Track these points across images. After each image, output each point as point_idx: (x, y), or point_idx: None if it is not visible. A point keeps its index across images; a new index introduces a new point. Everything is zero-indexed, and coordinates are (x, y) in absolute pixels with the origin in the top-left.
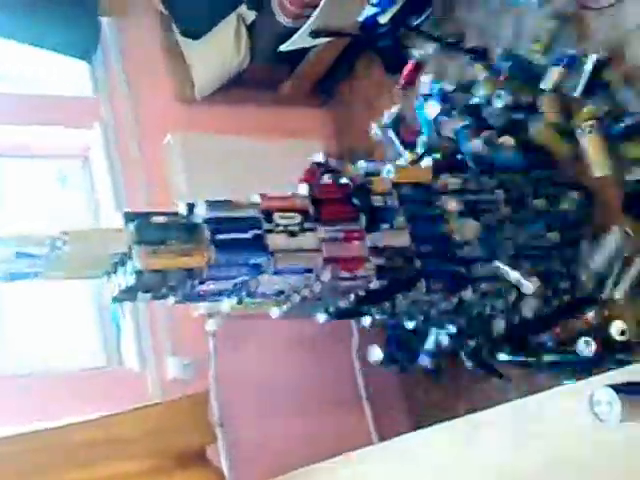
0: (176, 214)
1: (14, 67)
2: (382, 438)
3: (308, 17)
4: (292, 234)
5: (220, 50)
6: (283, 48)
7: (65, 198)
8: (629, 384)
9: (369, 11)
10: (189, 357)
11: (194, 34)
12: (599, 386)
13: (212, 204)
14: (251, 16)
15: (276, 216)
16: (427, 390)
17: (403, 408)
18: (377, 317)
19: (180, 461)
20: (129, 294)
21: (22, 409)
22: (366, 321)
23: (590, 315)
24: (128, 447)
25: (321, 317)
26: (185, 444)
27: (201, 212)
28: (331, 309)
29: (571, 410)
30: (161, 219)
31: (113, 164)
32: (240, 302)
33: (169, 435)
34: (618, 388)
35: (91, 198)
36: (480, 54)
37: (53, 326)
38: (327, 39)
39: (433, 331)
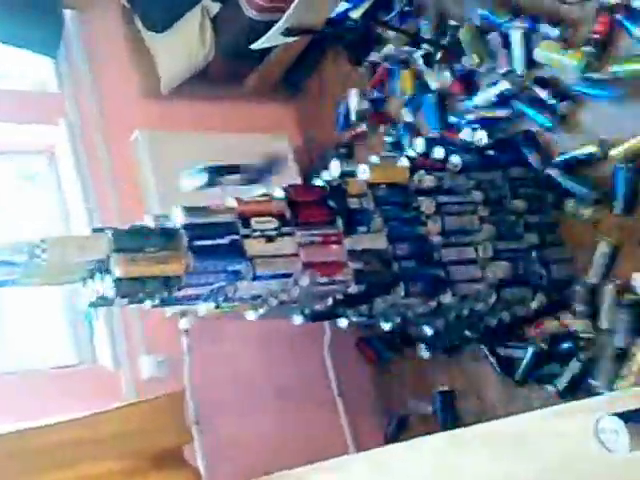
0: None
1: None
2: (355, 435)
3: (273, 10)
4: (270, 239)
5: (185, 43)
6: (255, 47)
7: (32, 196)
8: (634, 411)
9: (341, 7)
10: (163, 355)
11: (158, 27)
12: (604, 414)
13: (189, 210)
14: (215, 8)
15: (253, 221)
16: (400, 387)
17: (376, 405)
18: (354, 319)
19: (157, 461)
20: (106, 300)
21: None
22: (342, 323)
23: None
24: (101, 448)
25: (297, 319)
26: (162, 444)
27: (178, 219)
28: (307, 311)
29: (577, 430)
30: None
31: (79, 160)
32: (217, 307)
33: (145, 435)
34: (624, 416)
35: (59, 195)
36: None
37: (24, 324)
38: (297, 37)
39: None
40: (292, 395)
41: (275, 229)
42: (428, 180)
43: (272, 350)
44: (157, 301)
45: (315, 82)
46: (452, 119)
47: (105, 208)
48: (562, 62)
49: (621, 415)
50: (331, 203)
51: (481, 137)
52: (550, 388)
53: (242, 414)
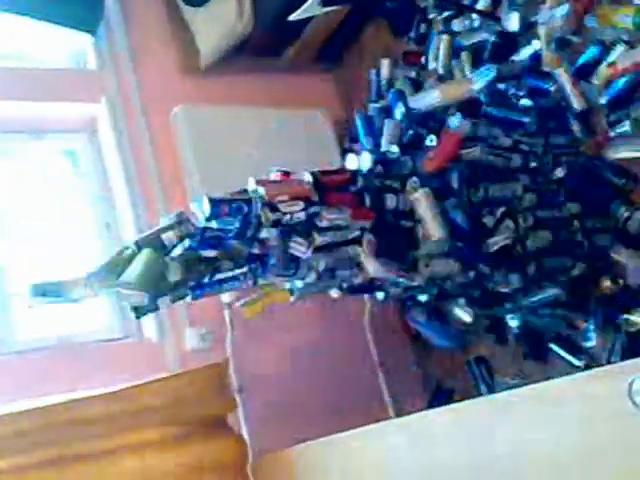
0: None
1: (16, 42)
2: (396, 405)
3: None
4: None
5: (223, 16)
6: (292, 17)
7: (74, 173)
8: None
9: None
10: (206, 328)
11: (196, 1)
12: (637, 376)
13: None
14: None
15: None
16: (440, 359)
17: (416, 375)
18: (390, 292)
19: (203, 428)
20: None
21: (41, 382)
22: (380, 295)
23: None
24: (150, 417)
25: (335, 293)
26: (207, 411)
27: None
28: (344, 285)
29: (605, 396)
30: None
31: (120, 138)
32: (255, 283)
33: (190, 404)
34: None
35: (100, 172)
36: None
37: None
38: (337, 7)
39: None
40: (335, 365)
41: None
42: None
43: (313, 322)
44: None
45: (355, 54)
46: None
47: (146, 186)
48: None
49: None
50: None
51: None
52: None
53: (284, 384)
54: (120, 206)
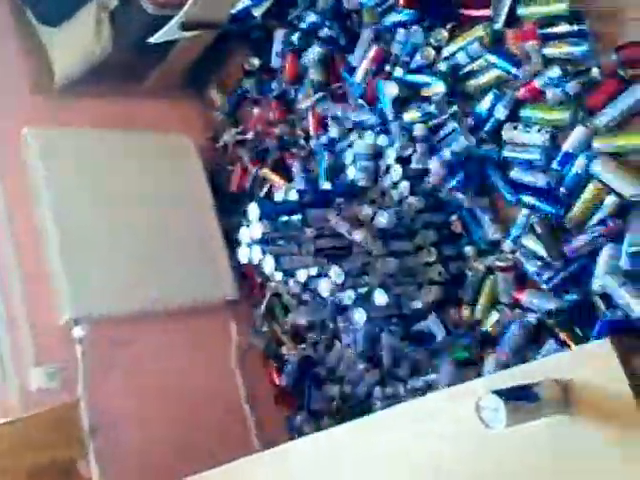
0: None
1: None
2: (264, 442)
3: (174, 5)
4: None
5: (80, 38)
6: (152, 40)
7: None
8: (512, 389)
9: (243, 3)
10: (55, 365)
11: (52, 21)
12: (484, 392)
13: None
14: (114, 3)
15: None
16: None
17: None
18: None
19: (48, 478)
20: None
21: None
22: None
23: None
24: None
25: None
26: (54, 458)
27: None
28: None
29: (459, 413)
30: None
31: None
32: None
33: (36, 450)
34: (502, 393)
35: None
36: None
37: None
38: (197, 32)
39: None
40: (197, 402)
41: None
42: None
43: (175, 355)
44: None
45: (220, 79)
46: None
47: None
48: None
49: (499, 392)
50: None
51: None
52: None
53: (143, 424)
54: None
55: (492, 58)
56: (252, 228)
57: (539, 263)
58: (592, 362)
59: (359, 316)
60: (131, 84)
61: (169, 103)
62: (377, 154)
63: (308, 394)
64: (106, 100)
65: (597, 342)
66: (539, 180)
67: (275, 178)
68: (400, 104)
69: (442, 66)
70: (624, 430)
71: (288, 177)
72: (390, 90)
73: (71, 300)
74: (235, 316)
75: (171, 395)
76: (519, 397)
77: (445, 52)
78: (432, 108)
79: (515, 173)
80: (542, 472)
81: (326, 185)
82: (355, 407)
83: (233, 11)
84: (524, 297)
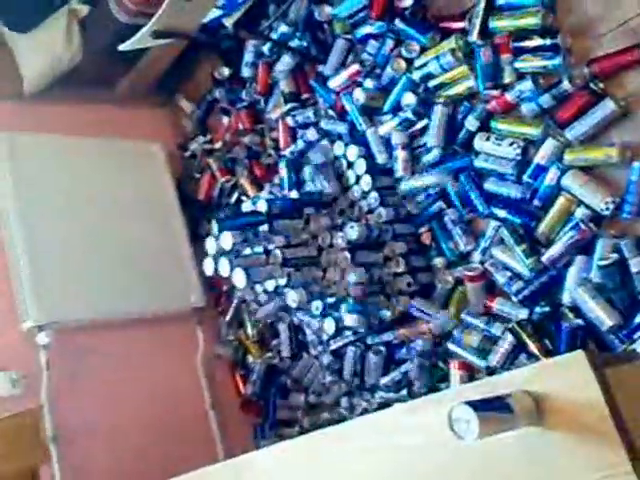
0: None
1: None
2: (229, 450)
3: (146, 14)
4: None
5: (50, 45)
6: (122, 48)
7: None
8: (484, 400)
9: (214, 13)
10: (18, 371)
11: (21, 28)
12: (456, 403)
13: None
14: (84, 10)
15: None
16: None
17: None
18: None
19: None
20: None
21: None
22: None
23: None
24: None
25: None
26: (16, 466)
27: None
28: None
29: (431, 422)
30: None
31: None
32: None
33: None
34: (474, 404)
35: None
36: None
37: None
38: (168, 40)
39: None
40: (163, 409)
41: None
42: None
43: (141, 364)
44: None
45: (190, 88)
46: None
47: None
48: None
49: (471, 404)
50: None
51: None
52: None
53: (108, 431)
54: None
55: (464, 70)
56: (222, 239)
57: (508, 274)
58: (564, 373)
59: (328, 326)
60: (101, 92)
61: (139, 111)
62: (348, 164)
63: (273, 403)
64: (75, 107)
65: (569, 354)
66: (513, 191)
67: (249, 187)
68: (370, 116)
69: (415, 75)
70: (596, 441)
71: (258, 187)
72: (357, 96)
73: (35, 306)
74: (202, 323)
75: (137, 403)
76: (491, 408)
77: (417, 63)
78: (408, 114)
79: (489, 185)
80: None
81: (293, 194)
82: (321, 417)
83: (204, 21)
84: (495, 305)
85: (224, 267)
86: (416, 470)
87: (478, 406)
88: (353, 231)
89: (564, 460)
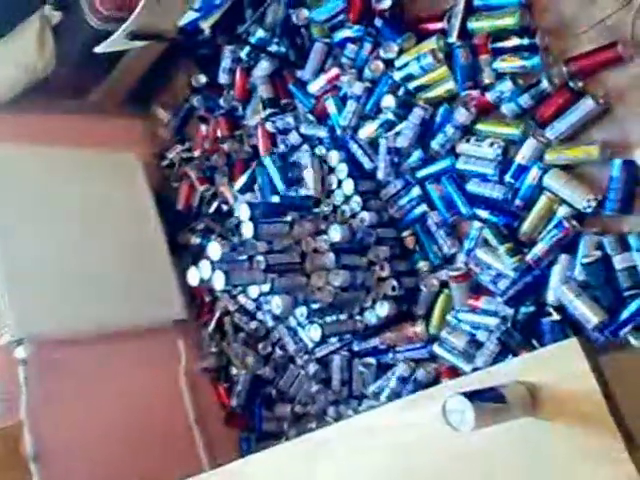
0: None
1: None
2: (213, 463)
3: (120, 20)
4: None
5: (21, 53)
6: (98, 50)
7: None
8: (479, 391)
9: (190, 16)
10: None
11: None
12: (450, 394)
13: None
14: (57, 17)
15: None
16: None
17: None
18: None
19: None
20: None
21: None
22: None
23: None
24: None
25: None
26: None
27: None
28: None
29: (424, 418)
30: None
31: None
32: None
33: None
34: (469, 395)
35: None
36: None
37: None
38: (145, 42)
39: None
40: (146, 424)
41: None
42: None
43: (122, 378)
44: None
45: (167, 97)
46: None
47: None
48: None
49: (466, 394)
50: None
51: None
52: None
53: (90, 449)
54: None
55: (444, 71)
56: (210, 249)
57: (493, 273)
58: (559, 363)
59: (314, 332)
60: (75, 101)
61: (114, 120)
62: (330, 168)
63: (259, 414)
64: (48, 117)
65: (563, 342)
66: (495, 192)
67: (230, 195)
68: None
69: (396, 76)
70: (592, 430)
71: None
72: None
73: (13, 319)
74: (184, 336)
75: (119, 417)
76: (486, 399)
77: (397, 64)
78: (389, 116)
79: (471, 186)
80: (510, 473)
81: (275, 199)
82: (308, 427)
83: (181, 24)
84: (480, 304)
85: (206, 271)
86: (411, 466)
87: (473, 397)
88: (336, 232)
89: (560, 449)
